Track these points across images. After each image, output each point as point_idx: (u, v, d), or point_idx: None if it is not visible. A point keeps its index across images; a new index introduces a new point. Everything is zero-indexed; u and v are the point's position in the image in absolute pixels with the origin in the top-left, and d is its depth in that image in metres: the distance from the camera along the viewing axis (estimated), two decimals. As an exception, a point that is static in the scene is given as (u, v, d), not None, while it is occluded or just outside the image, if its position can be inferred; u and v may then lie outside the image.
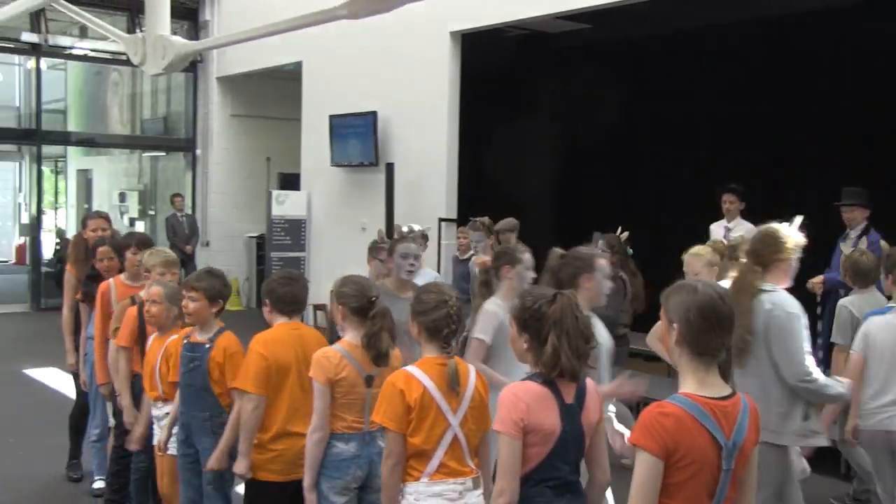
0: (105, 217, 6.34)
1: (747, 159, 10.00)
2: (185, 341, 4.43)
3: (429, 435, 3.28)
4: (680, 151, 10.90)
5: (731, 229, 8.01)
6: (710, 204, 8.49)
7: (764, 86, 10.02)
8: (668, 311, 2.61)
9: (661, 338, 2.71)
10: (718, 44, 10.22)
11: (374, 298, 3.79)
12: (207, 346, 4.36)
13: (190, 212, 14.74)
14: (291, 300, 4.21)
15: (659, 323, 2.70)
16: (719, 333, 2.56)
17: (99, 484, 5.91)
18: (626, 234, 7.11)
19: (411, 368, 3.35)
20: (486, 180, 11.17)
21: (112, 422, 5.65)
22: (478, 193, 10.78)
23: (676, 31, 10.34)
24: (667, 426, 2.47)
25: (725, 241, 5.52)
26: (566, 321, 2.87)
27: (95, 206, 19.01)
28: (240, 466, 4.04)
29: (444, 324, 3.37)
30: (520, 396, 2.86)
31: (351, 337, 3.81)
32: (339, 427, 3.76)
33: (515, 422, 2.82)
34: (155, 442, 4.70)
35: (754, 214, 8.07)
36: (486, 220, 8.35)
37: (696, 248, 5.41)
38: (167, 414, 4.58)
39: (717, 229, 8.27)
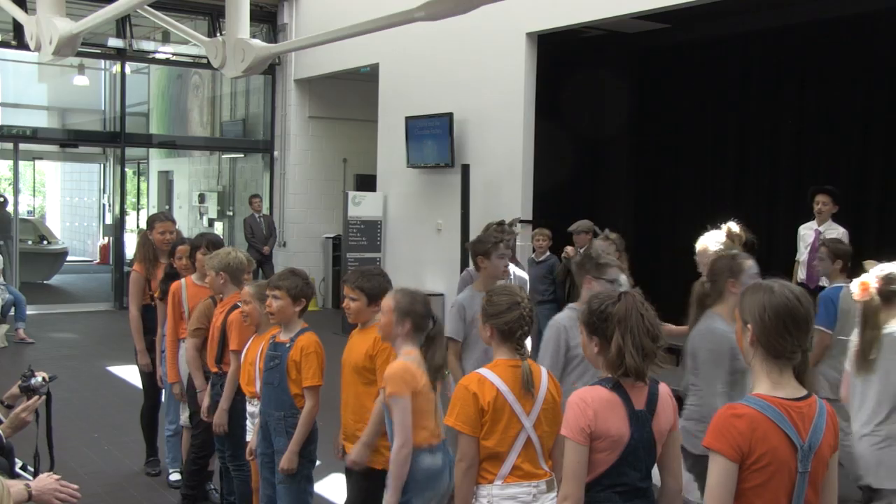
0: (171, 219, 6.42)
1: (835, 161, 9.77)
2: (270, 340, 4.49)
3: (502, 437, 3.25)
4: (763, 152, 10.71)
5: (822, 233, 7.67)
6: (796, 204, 8.24)
7: (849, 83, 9.77)
8: (743, 312, 2.58)
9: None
10: (796, 42, 10.01)
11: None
12: (288, 345, 4.41)
13: (267, 213, 14.94)
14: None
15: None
16: (795, 335, 2.51)
17: (175, 476, 6.10)
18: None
19: (484, 371, 3.33)
20: (562, 181, 11.09)
21: (184, 420, 5.78)
22: (553, 195, 10.71)
23: (755, 31, 10.17)
24: (740, 428, 2.43)
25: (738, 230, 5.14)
26: (630, 319, 2.83)
27: (176, 207, 19.44)
28: (363, 455, 4.02)
29: (517, 325, 3.34)
30: (588, 402, 2.82)
31: (410, 347, 3.81)
32: (424, 438, 3.72)
33: (582, 428, 2.79)
34: (247, 438, 4.77)
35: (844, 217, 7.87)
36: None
37: (704, 242, 5.08)
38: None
39: (806, 232, 7.93)
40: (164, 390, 6.17)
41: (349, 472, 4.23)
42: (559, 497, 2.85)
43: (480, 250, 5.04)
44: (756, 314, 2.52)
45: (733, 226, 5.07)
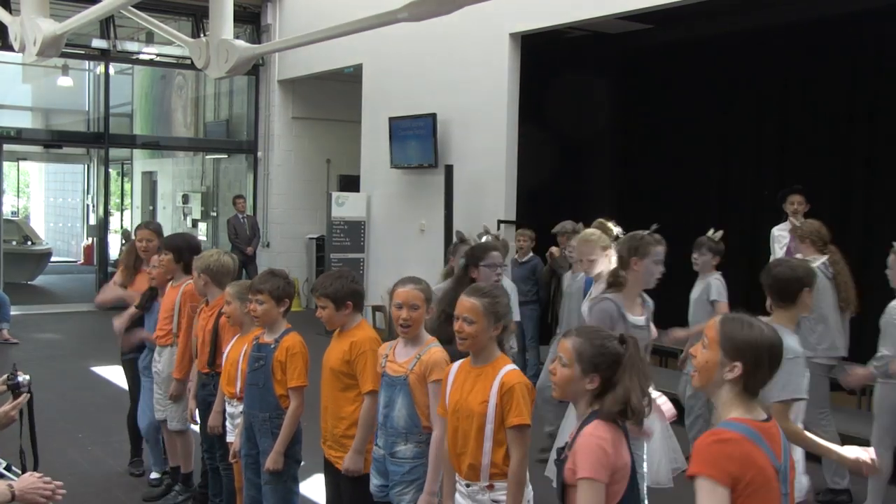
0: (152, 229, 6.36)
1: (820, 161, 9.85)
2: (254, 342, 4.51)
3: None
4: (748, 153, 10.78)
5: None
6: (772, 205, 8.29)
7: (831, 84, 9.85)
8: (729, 347, 2.50)
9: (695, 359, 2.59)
10: (781, 43, 10.08)
11: None
12: (273, 346, 4.43)
13: (251, 213, 14.93)
14: (363, 297, 4.29)
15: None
16: (775, 373, 2.54)
17: (154, 475, 6.19)
18: (720, 232, 6.72)
19: (515, 367, 3.44)
20: (546, 182, 11.13)
21: (162, 416, 5.80)
22: (537, 195, 10.75)
23: (740, 31, 10.22)
24: (728, 452, 2.39)
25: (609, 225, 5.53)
26: (637, 364, 2.83)
27: (159, 208, 19.41)
28: (357, 462, 4.03)
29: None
30: (607, 441, 2.73)
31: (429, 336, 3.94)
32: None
33: (606, 468, 2.71)
34: (230, 439, 4.79)
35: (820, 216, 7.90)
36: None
37: (587, 232, 5.46)
38: (242, 413, 4.66)
39: (781, 233, 7.91)
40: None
41: (329, 473, 4.26)
42: None
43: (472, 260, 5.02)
44: (751, 355, 2.48)
45: (605, 221, 5.57)
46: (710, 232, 6.73)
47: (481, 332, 3.42)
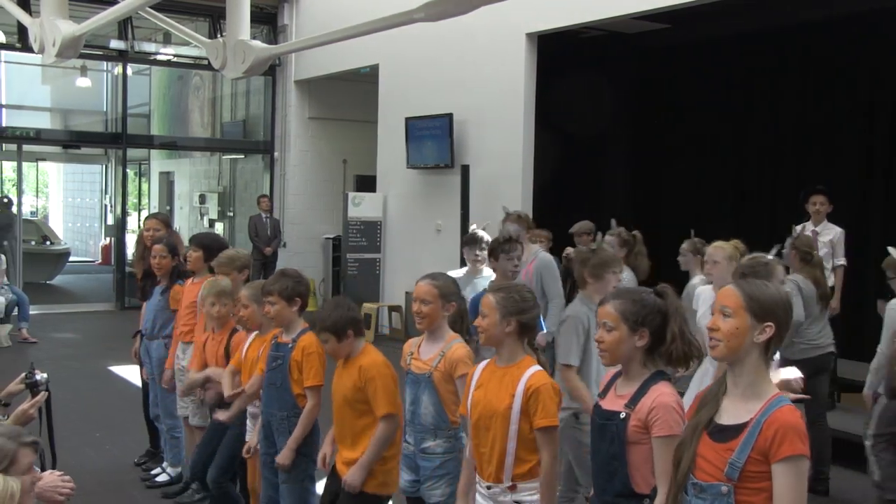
0: (160, 218, 6.62)
1: (837, 159, 9.79)
2: (273, 340, 4.53)
3: None
4: (764, 152, 10.73)
5: (818, 233, 7.61)
6: (798, 204, 8.21)
7: (849, 83, 9.79)
8: (759, 310, 2.49)
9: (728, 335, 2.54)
10: (797, 42, 10.03)
11: None
12: (290, 345, 4.44)
13: (275, 214, 14.94)
14: (362, 322, 4.30)
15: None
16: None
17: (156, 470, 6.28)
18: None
19: (540, 369, 3.42)
20: (562, 182, 11.11)
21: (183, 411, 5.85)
22: (553, 195, 10.73)
23: (757, 30, 10.17)
24: (805, 429, 2.45)
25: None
26: (679, 311, 2.95)
27: (176, 208, 19.48)
28: (358, 478, 3.97)
29: (536, 322, 3.51)
30: (676, 400, 2.87)
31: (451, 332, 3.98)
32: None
33: (682, 424, 2.79)
34: (247, 438, 4.80)
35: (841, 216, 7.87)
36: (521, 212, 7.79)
37: (720, 242, 5.70)
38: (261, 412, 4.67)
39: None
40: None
41: (332, 481, 4.21)
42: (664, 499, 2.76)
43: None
44: (780, 313, 2.50)
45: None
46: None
47: (492, 325, 3.42)
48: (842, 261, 7.69)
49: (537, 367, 3.40)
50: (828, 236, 7.64)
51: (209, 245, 5.81)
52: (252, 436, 4.74)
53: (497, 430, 3.34)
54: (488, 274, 6.12)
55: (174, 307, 5.96)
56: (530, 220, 7.40)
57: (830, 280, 7.59)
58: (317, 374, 4.37)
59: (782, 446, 2.37)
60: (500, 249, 5.69)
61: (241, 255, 5.63)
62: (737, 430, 2.46)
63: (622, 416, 2.87)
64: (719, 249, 5.57)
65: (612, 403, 2.95)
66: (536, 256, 6.72)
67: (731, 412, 2.51)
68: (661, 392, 2.85)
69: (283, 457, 4.34)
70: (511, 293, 3.48)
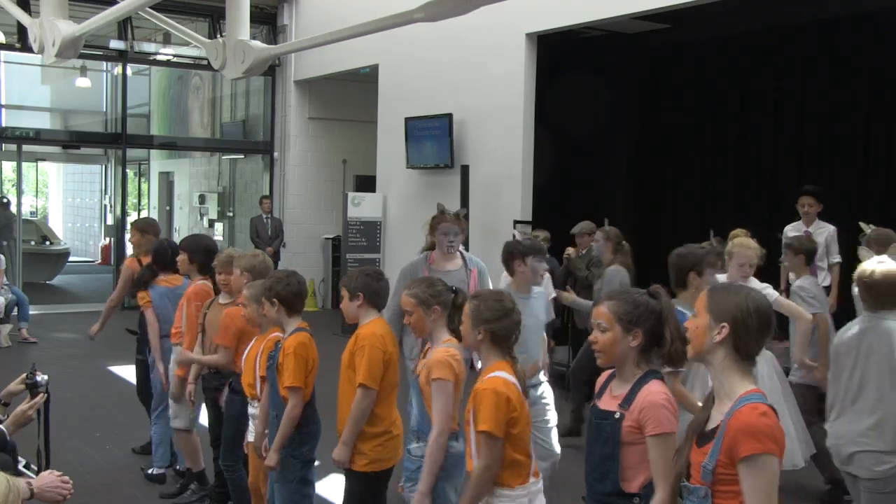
0: (136, 226, 7.07)
1: (837, 159, 9.80)
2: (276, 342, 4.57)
3: (526, 440, 3.36)
4: (765, 152, 10.74)
5: (812, 234, 7.66)
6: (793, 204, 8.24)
7: (852, 82, 9.80)
8: (717, 311, 2.57)
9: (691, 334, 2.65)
10: (797, 42, 10.04)
11: None
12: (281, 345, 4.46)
13: (276, 215, 14.94)
14: (385, 295, 4.24)
15: None
16: (767, 337, 2.58)
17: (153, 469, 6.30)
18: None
19: (504, 374, 3.34)
20: (562, 182, 11.11)
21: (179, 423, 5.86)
22: (553, 196, 10.73)
23: (758, 30, 10.18)
24: (773, 425, 2.45)
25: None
26: (672, 312, 2.97)
27: (176, 209, 19.50)
28: (342, 455, 4.02)
29: (511, 331, 3.43)
30: (666, 397, 2.89)
31: (447, 334, 3.89)
32: (451, 425, 3.78)
33: (675, 421, 2.87)
34: (250, 439, 4.80)
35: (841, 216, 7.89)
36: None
37: (746, 240, 5.57)
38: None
39: (794, 234, 7.84)
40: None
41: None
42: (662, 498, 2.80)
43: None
44: (736, 315, 2.54)
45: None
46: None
47: (466, 333, 3.45)
48: (837, 258, 7.80)
49: (495, 374, 3.35)
50: (821, 236, 7.71)
51: (193, 248, 5.86)
52: (257, 439, 4.72)
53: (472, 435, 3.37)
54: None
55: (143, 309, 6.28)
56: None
57: (828, 279, 7.67)
58: (292, 375, 4.29)
59: (740, 447, 2.41)
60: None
61: (259, 260, 5.39)
62: (711, 434, 2.53)
63: (616, 415, 2.89)
64: (749, 249, 5.46)
65: (608, 403, 2.97)
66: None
67: (713, 416, 2.58)
68: (651, 391, 2.88)
69: (269, 458, 4.36)
70: (486, 300, 3.47)
